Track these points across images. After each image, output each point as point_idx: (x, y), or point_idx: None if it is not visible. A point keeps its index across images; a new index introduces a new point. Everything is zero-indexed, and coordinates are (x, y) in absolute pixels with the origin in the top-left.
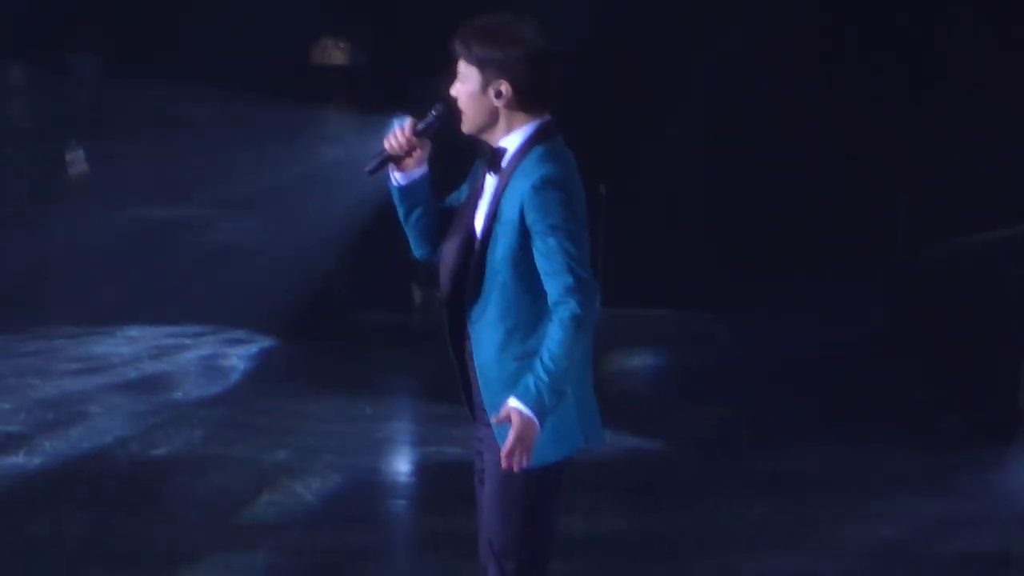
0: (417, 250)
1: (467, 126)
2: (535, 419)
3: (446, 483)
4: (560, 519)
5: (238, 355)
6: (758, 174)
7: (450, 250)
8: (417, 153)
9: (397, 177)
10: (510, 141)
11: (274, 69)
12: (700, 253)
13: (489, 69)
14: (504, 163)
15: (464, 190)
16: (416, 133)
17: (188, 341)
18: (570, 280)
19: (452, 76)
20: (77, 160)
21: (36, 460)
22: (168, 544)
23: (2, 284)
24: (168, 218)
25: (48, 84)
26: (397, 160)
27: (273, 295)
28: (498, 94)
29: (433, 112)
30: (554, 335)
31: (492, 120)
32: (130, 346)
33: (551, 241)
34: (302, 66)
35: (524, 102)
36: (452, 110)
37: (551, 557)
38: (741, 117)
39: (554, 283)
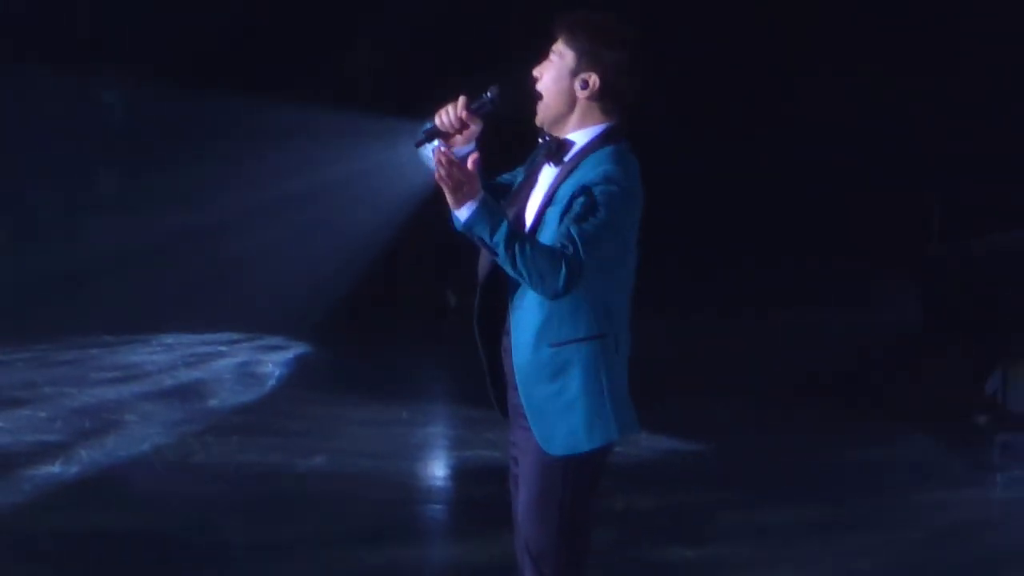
0: (456, 222)
1: (542, 115)
2: (471, 202)
3: (483, 487)
4: (594, 521)
5: (273, 361)
6: (791, 168)
7: None
8: (467, 132)
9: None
10: (578, 136)
11: (303, 75)
12: (731, 248)
13: (586, 58)
14: (567, 157)
15: (518, 174)
16: (468, 112)
17: (223, 348)
18: (569, 254)
19: (542, 57)
20: None
21: (73, 469)
22: (204, 550)
23: (38, 294)
24: (202, 225)
25: (78, 94)
26: (445, 136)
27: (308, 300)
28: (584, 84)
29: (487, 94)
30: (544, 251)
31: (568, 109)
32: (165, 354)
33: (582, 220)
34: (333, 72)
35: (604, 101)
36: (506, 94)
37: (587, 558)
38: (776, 111)
39: (558, 244)
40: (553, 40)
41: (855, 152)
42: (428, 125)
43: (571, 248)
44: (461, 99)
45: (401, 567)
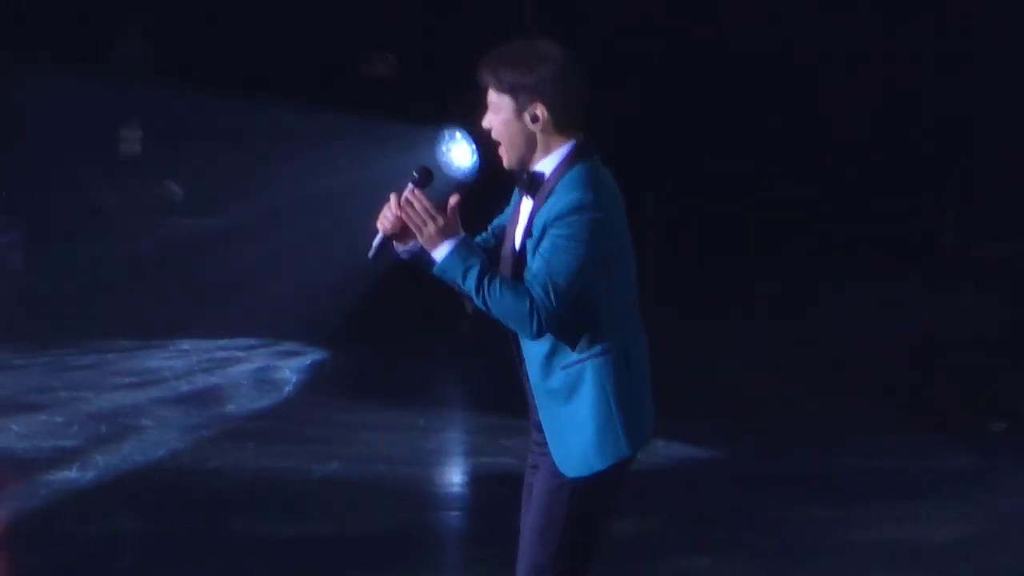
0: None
1: (508, 160)
2: (446, 243)
3: (498, 494)
4: (600, 538)
5: (290, 367)
6: (802, 174)
7: (503, 271)
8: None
9: (403, 252)
10: (546, 164)
11: (321, 78)
12: (744, 256)
13: (522, 94)
14: (541, 187)
15: (507, 213)
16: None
17: (240, 354)
18: (539, 301)
19: (483, 108)
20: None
21: (89, 474)
22: (220, 557)
23: (55, 298)
24: (218, 230)
25: (94, 96)
26: (398, 237)
27: (325, 306)
28: (534, 118)
29: (410, 182)
30: (513, 295)
31: (530, 147)
32: (182, 359)
33: (554, 262)
34: (350, 76)
35: (559, 123)
36: (425, 173)
37: (587, 573)
38: (786, 118)
39: (530, 288)
40: (484, 90)
41: (867, 152)
42: (378, 239)
43: (541, 294)
44: (392, 197)
45: (416, 573)
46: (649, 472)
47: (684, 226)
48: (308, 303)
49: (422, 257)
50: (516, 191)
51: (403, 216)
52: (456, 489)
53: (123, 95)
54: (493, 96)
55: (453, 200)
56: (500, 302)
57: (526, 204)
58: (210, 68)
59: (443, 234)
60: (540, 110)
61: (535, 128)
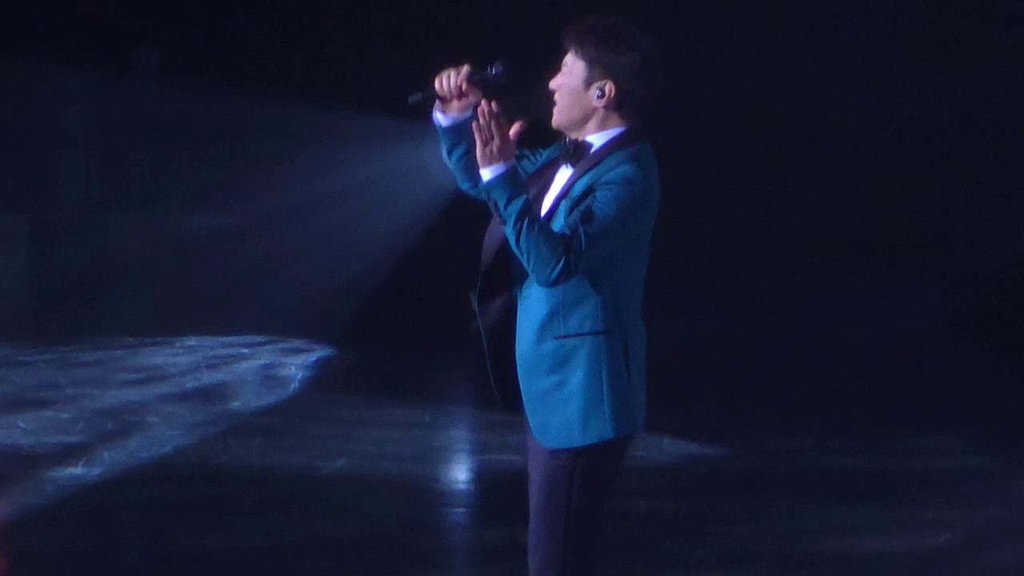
0: (462, 184)
1: (558, 120)
2: (502, 164)
3: (504, 491)
4: (602, 527)
5: (296, 364)
6: (812, 175)
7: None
8: (464, 100)
9: (439, 117)
10: (596, 138)
11: (333, 77)
12: (751, 256)
13: (597, 68)
14: (585, 157)
15: (540, 155)
16: (469, 80)
17: (246, 351)
18: (571, 249)
19: (556, 68)
20: None
21: (95, 470)
22: (226, 553)
23: (61, 295)
24: (225, 227)
25: (106, 91)
26: (443, 101)
27: (331, 304)
28: (600, 93)
29: (492, 68)
30: (548, 237)
31: (585, 118)
32: (188, 356)
33: (591, 217)
34: (361, 74)
35: (621, 106)
36: (510, 71)
37: (595, 565)
38: (795, 117)
39: (563, 234)
40: (564, 51)
41: (876, 151)
42: (426, 92)
43: (574, 244)
44: (465, 68)
45: (422, 570)
46: (654, 468)
47: (687, 224)
48: (314, 300)
49: (451, 132)
50: (549, 152)
51: (475, 124)
52: (461, 486)
53: (132, 95)
54: (569, 58)
55: (518, 125)
56: (535, 239)
57: (565, 171)
58: (218, 68)
59: (502, 155)
60: (609, 88)
61: (598, 103)
